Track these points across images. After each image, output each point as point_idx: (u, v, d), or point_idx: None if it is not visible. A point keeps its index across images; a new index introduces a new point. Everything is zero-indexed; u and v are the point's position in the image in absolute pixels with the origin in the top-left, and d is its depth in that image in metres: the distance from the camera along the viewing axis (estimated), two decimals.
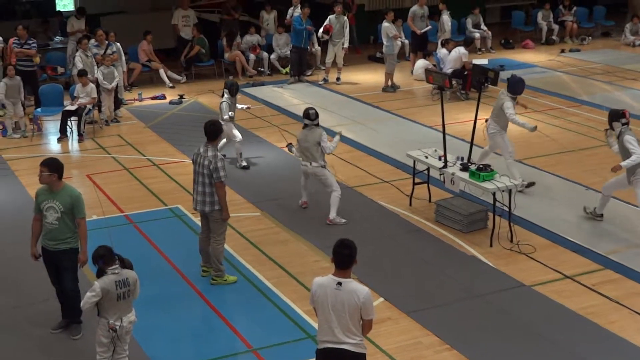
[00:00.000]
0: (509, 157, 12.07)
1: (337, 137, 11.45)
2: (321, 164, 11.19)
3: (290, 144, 11.88)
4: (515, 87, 12.04)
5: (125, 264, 7.48)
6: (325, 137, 11.20)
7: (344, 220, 11.17)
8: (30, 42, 16.68)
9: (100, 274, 7.34)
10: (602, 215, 11.22)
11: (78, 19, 19.60)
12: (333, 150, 11.35)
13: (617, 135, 10.74)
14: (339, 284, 6.29)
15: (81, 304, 7.40)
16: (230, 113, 13.24)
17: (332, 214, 11.18)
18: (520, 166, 13.00)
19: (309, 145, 11.17)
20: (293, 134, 15.18)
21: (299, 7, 19.78)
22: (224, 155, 13.27)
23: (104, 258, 7.31)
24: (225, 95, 13.40)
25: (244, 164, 13.50)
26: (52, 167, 8.14)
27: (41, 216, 8.22)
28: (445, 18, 20.30)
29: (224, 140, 13.40)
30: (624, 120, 10.63)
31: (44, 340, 8.37)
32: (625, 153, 10.51)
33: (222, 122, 13.13)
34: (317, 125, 11.30)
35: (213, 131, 9.46)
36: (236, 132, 13.45)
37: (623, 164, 10.45)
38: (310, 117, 11.28)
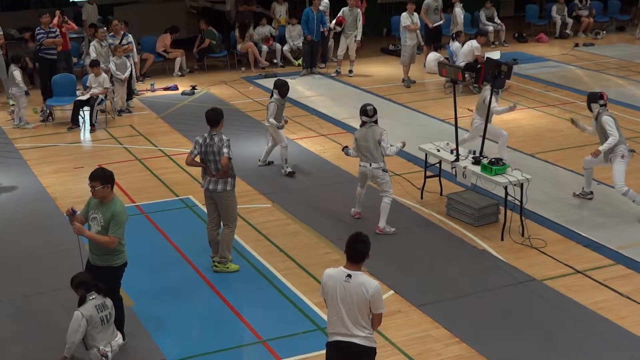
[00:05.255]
0: (504, 137, 12.65)
1: (399, 144, 10.60)
2: (382, 166, 10.44)
3: (347, 147, 11.03)
4: (495, 82, 12.04)
5: (103, 291, 7.49)
6: (386, 136, 10.38)
7: (393, 229, 10.63)
8: (54, 30, 16.80)
9: (81, 302, 7.35)
10: (591, 193, 11.70)
11: (91, 4, 19.72)
12: (394, 154, 10.57)
13: (595, 116, 11.25)
14: (349, 276, 6.27)
15: (68, 339, 7.25)
16: (278, 123, 12.47)
17: (382, 223, 10.58)
18: (531, 160, 13.01)
19: (368, 144, 10.38)
20: (308, 126, 15.21)
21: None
22: (271, 162, 13.10)
23: (85, 286, 7.36)
24: (275, 96, 12.54)
25: (289, 169, 12.67)
26: (103, 179, 7.60)
27: (86, 222, 7.72)
28: (458, 11, 20.24)
29: (271, 144, 12.93)
30: (602, 102, 11.25)
31: (54, 328, 8.39)
32: (603, 133, 11.05)
33: (268, 124, 12.69)
34: (376, 122, 10.53)
35: (214, 116, 9.36)
36: (283, 136, 12.67)
37: (601, 148, 11.01)
38: (368, 113, 10.47)
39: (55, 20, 16.90)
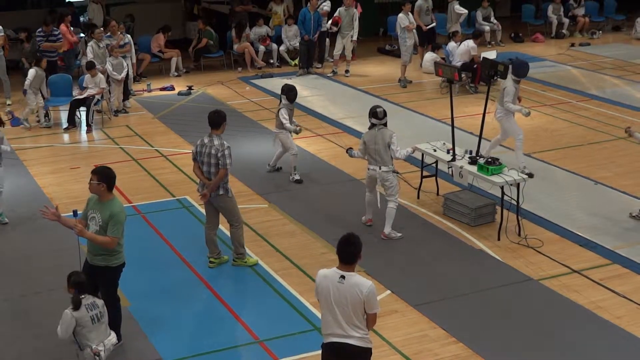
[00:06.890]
0: (519, 140, 12.29)
1: (409, 149, 10.58)
2: (391, 169, 10.29)
3: (351, 148, 10.84)
4: (519, 70, 12.11)
5: (97, 295, 7.51)
6: (395, 138, 10.20)
7: (399, 235, 10.51)
8: (56, 32, 16.80)
9: (76, 305, 7.31)
10: None
11: (96, 3, 19.72)
12: (404, 157, 10.45)
13: None
14: (342, 277, 6.27)
15: (60, 333, 7.25)
16: (294, 126, 12.25)
17: (387, 228, 10.43)
18: (528, 159, 13.02)
19: (378, 147, 10.20)
20: (305, 126, 15.19)
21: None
22: (280, 168, 12.91)
23: (80, 287, 7.34)
24: (283, 101, 12.28)
25: (297, 177, 12.43)
26: (101, 176, 7.63)
27: (86, 222, 7.72)
28: (457, 7, 20.17)
29: (280, 150, 12.66)
30: None
31: (50, 329, 8.38)
32: None
33: (277, 131, 12.43)
34: (386, 124, 10.32)
35: (215, 118, 9.40)
36: (292, 143, 12.45)
37: None
38: (377, 115, 10.25)
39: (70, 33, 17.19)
